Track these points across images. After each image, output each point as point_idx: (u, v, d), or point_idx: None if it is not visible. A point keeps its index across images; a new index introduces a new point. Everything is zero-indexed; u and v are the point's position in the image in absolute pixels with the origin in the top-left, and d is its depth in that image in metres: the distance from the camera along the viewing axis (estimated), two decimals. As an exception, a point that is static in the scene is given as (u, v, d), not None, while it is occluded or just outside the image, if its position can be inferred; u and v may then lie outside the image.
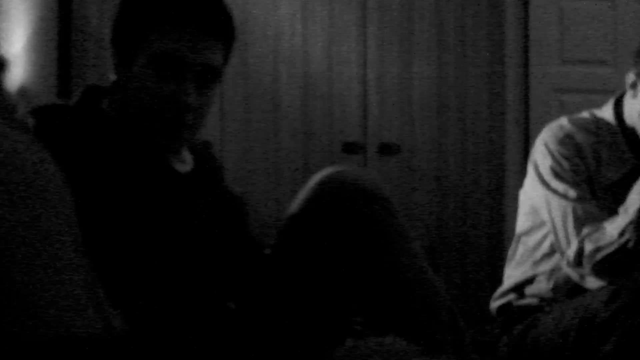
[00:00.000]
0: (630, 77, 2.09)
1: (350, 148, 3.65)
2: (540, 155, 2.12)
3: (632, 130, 2.10)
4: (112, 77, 1.61)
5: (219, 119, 3.54)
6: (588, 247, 1.98)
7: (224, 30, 1.57)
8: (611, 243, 1.94)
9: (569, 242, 2.03)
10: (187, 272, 1.53)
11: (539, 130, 2.20)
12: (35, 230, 1.07)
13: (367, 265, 1.64)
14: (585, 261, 1.99)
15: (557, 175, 2.08)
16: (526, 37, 3.98)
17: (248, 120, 3.59)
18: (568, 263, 2.03)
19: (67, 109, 1.60)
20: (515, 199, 2.38)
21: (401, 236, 1.66)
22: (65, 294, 1.08)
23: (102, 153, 1.51)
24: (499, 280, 2.32)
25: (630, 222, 1.93)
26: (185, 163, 1.64)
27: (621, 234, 1.94)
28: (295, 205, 1.70)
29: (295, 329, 1.65)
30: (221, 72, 1.58)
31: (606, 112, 2.14)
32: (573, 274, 2.03)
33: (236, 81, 3.56)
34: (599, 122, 2.13)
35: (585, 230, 2.00)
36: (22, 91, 2.78)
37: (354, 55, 3.69)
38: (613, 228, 1.95)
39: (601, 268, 1.97)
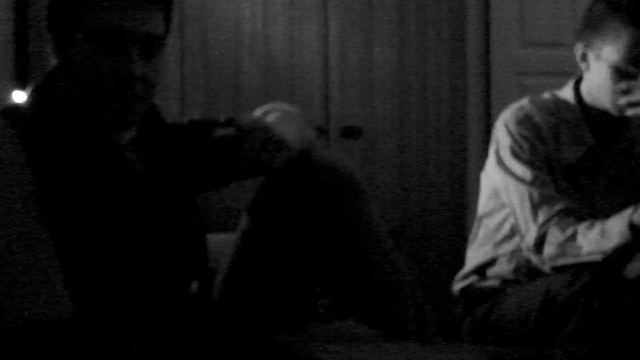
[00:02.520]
0: (579, 49, 2.09)
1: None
2: (501, 135, 2.12)
3: (591, 110, 2.11)
4: (54, 61, 1.59)
5: (180, 103, 3.51)
6: (551, 250, 1.98)
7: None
8: (578, 256, 1.95)
9: (527, 226, 2.04)
10: (141, 251, 1.52)
11: (499, 113, 2.20)
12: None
13: (334, 247, 1.63)
14: (547, 261, 1.99)
15: (515, 155, 2.08)
16: (487, 19, 3.98)
17: (209, 103, 3.56)
18: (528, 248, 2.04)
19: (27, 105, 1.57)
20: (477, 180, 2.38)
21: (368, 219, 1.66)
22: (23, 278, 1.06)
23: (55, 139, 1.49)
24: (461, 262, 2.33)
25: (605, 252, 1.92)
26: (128, 131, 1.61)
27: (590, 253, 1.94)
28: (263, 186, 1.69)
29: (260, 311, 1.64)
30: (164, 40, 1.56)
31: (566, 92, 2.14)
32: (533, 258, 2.04)
33: (196, 65, 3.53)
34: (559, 103, 2.13)
35: (541, 216, 2.01)
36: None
37: (315, 38, 3.67)
38: (586, 244, 1.94)
39: (561, 269, 1.97)
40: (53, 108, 1.54)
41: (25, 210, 1.16)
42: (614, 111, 2.05)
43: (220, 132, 1.71)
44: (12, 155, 1.14)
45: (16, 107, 1.60)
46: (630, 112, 2.03)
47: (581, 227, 1.96)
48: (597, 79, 2.06)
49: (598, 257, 1.92)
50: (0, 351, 1.05)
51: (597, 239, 1.93)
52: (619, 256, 1.93)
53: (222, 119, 1.76)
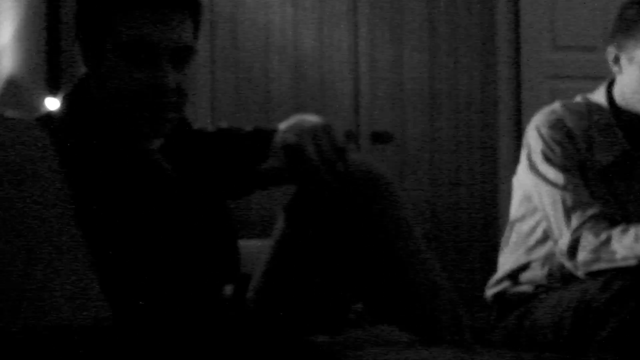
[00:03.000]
0: (611, 52, 2.08)
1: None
2: (533, 139, 2.11)
3: (624, 113, 2.09)
4: (83, 69, 1.59)
5: (210, 109, 3.53)
6: (585, 255, 1.96)
7: (190, 5, 1.55)
8: (612, 261, 1.93)
9: (560, 231, 2.02)
10: (174, 254, 1.52)
11: (530, 117, 2.19)
12: (32, 215, 1.07)
13: (369, 251, 1.63)
14: (580, 266, 1.98)
15: (548, 159, 2.07)
16: (517, 23, 3.97)
17: (239, 109, 3.57)
18: (561, 253, 2.02)
19: (60, 113, 1.58)
20: (508, 185, 2.37)
21: (403, 223, 1.65)
22: (60, 282, 1.07)
23: (88, 146, 1.50)
24: (493, 268, 2.31)
25: (638, 257, 1.90)
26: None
27: (625, 258, 1.92)
28: (298, 190, 1.68)
29: (295, 315, 1.64)
30: (194, 48, 1.56)
31: (599, 96, 2.13)
32: (567, 263, 2.03)
33: (227, 71, 3.55)
34: (591, 106, 2.12)
35: (574, 221, 1.99)
36: (12, 82, 2.76)
37: (345, 43, 3.67)
38: (620, 249, 1.92)
39: (595, 274, 1.96)
40: (85, 115, 1.55)
41: (60, 216, 1.17)
42: None
43: (270, 163, 1.69)
44: (48, 162, 1.15)
45: (49, 115, 1.61)
46: None
47: (615, 232, 1.94)
48: (629, 82, 2.05)
49: (633, 262, 1.91)
50: (39, 354, 1.05)
51: (631, 243, 1.91)
52: None
53: (249, 128, 1.76)
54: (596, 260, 1.95)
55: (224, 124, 1.82)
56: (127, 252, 1.46)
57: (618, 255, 1.92)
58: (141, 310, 1.44)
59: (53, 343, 1.05)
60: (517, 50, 3.96)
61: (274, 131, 1.65)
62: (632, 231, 1.92)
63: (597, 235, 1.96)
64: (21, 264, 1.06)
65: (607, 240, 1.94)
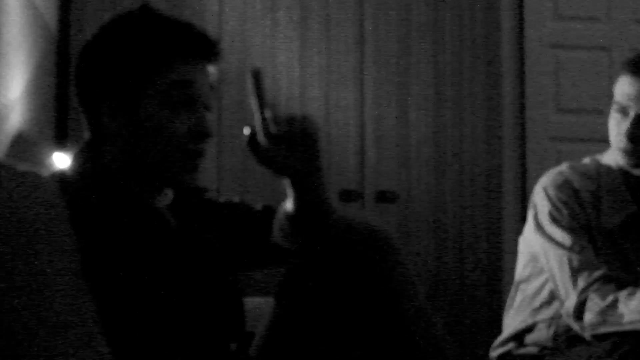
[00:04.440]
0: None
1: (348, 195, 3.65)
2: (540, 200, 2.12)
3: (634, 176, 2.10)
4: (86, 135, 1.60)
5: (216, 167, 3.54)
6: (592, 317, 1.95)
7: (216, 53, 1.60)
8: (619, 324, 1.92)
9: (567, 292, 2.01)
10: (181, 312, 1.52)
11: (535, 179, 2.20)
12: (41, 270, 1.07)
13: (373, 312, 1.62)
14: (587, 329, 1.96)
15: (555, 220, 2.07)
16: (522, 85, 4.00)
17: (245, 168, 3.58)
18: (567, 314, 2.01)
19: (71, 170, 1.59)
20: (513, 245, 2.37)
21: (408, 284, 1.65)
22: (64, 333, 1.07)
23: (99, 203, 1.51)
24: (498, 328, 2.30)
25: None
26: (165, 195, 1.63)
27: (633, 322, 1.91)
28: (304, 246, 1.69)
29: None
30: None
31: (608, 158, 2.14)
32: (573, 325, 2.01)
33: (234, 127, 3.56)
34: (600, 168, 2.13)
35: (581, 283, 1.99)
36: (20, 137, 2.78)
37: (352, 102, 3.70)
38: (628, 312, 1.91)
39: (602, 337, 1.94)
40: (96, 173, 1.56)
41: (67, 267, 1.18)
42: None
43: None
44: (60, 218, 1.16)
45: (63, 173, 1.62)
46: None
47: (622, 295, 1.93)
48: (610, 121, 2.09)
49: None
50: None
51: (639, 307, 1.90)
52: None
53: (259, 207, 1.79)
54: (603, 322, 1.94)
55: (235, 199, 1.84)
56: (134, 308, 1.46)
57: (625, 319, 1.91)
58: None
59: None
60: (522, 111, 3.99)
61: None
62: (639, 294, 1.91)
63: (604, 297, 1.95)
64: (29, 319, 1.06)
65: (614, 303, 1.93)
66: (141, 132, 1.54)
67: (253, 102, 1.56)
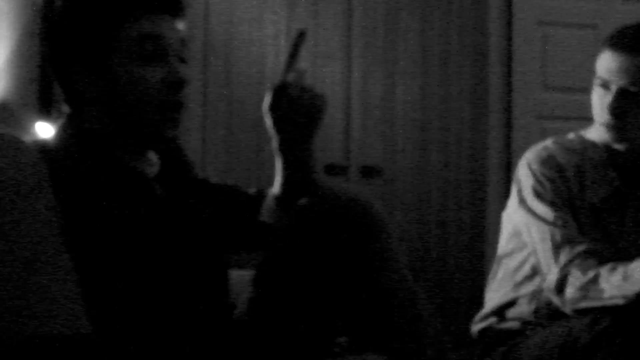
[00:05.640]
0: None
1: (332, 170, 3.64)
2: (524, 175, 2.12)
3: (618, 151, 2.10)
4: (65, 109, 1.59)
5: (201, 142, 3.52)
6: (573, 292, 1.95)
7: (180, 6, 1.59)
8: (600, 299, 1.92)
9: (548, 267, 2.02)
10: (164, 280, 1.52)
11: (520, 155, 2.20)
12: (24, 232, 1.07)
13: (356, 281, 1.62)
14: (568, 303, 1.97)
15: (538, 195, 2.07)
16: (509, 63, 3.99)
17: (231, 141, 3.57)
18: (549, 289, 2.02)
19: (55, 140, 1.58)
20: (496, 221, 2.37)
21: (391, 254, 1.65)
22: (43, 295, 1.07)
23: (84, 172, 1.50)
24: (480, 303, 2.31)
25: (627, 296, 1.89)
26: (152, 164, 1.63)
27: (613, 297, 1.92)
28: (289, 217, 1.69)
29: (279, 346, 1.63)
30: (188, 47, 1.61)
31: (593, 133, 2.14)
32: (554, 299, 2.02)
33: (219, 102, 3.55)
34: (585, 143, 2.13)
35: (563, 257, 1.99)
36: (3, 106, 2.76)
37: (338, 76, 3.69)
38: (609, 287, 1.91)
39: (582, 311, 1.95)
40: (81, 143, 1.55)
41: (47, 233, 1.18)
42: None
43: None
44: (40, 178, 1.15)
45: (45, 141, 1.61)
46: None
47: (604, 270, 1.94)
48: (593, 98, 2.10)
49: (620, 301, 1.90)
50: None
51: (619, 282, 1.90)
52: None
53: (252, 191, 1.80)
54: (584, 297, 1.94)
55: (229, 182, 1.86)
56: (116, 275, 1.46)
57: (606, 294, 1.91)
58: (127, 334, 1.44)
59: (33, 353, 1.05)
60: (509, 89, 3.99)
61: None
62: (621, 270, 1.92)
63: (585, 272, 1.95)
64: (15, 278, 1.06)
65: (595, 278, 1.94)
66: (116, 90, 1.53)
67: (286, 59, 1.61)
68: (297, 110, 1.59)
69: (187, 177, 1.72)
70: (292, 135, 1.63)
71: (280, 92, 1.59)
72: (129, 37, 1.51)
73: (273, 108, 1.61)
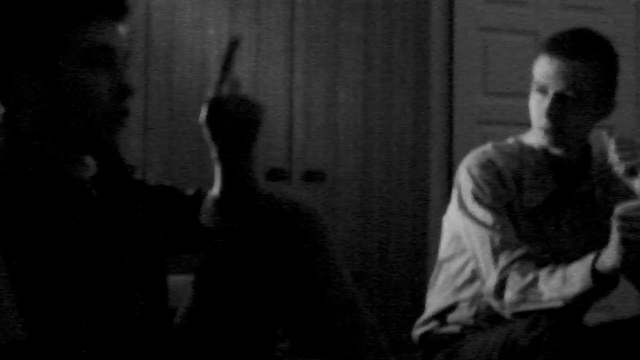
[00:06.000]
0: None
1: (275, 174, 3.63)
2: (463, 179, 2.13)
3: (555, 155, 2.12)
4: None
5: (143, 146, 3.48)
6: (512, 295, 1.97)
7: (128, 13, 1.58)
8: (539, 302, 1.94)
9: (488, 271, 2.03)
10: (100, 284, 1.49)
11: (461, 159, 2.21)
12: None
13: (295, 288, 1.61)
14: (507, 307, 1.98)
15: (477, 199, 2.08)
16: (451, 68, 4.02)
17: (172, 143, 3.53)
18: (488, 293, 2.03)
19: None
20: (438, 225, 2.38)
21: (330, 260, 1.65)
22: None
23: (17, 175, 1.47)
24: (421, 308, 2.31)
25: (566, 298, 1.92)
26: (88, 167, 1.61)
27: (552, 299, 1.93)
28: (228, 221, 1.68)
29: (219, 353, 1.62)
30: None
31: (531, 138, 2.16)
32: (494, 304, 2.03)
33: (161, 103, 3.51)
34: (523, 147, 2.15)
35: (502, 261, 2.00)
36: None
37: (280, 80, 3.67)
38: (547, 290, 1.93)
39: (521, 314, 1.97)
40: (12, 142, 1.52)
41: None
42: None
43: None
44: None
45: None
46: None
47: (542, 273, 1.95)
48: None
49: (559, 304, 1.92)
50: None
51: (558, 285, 1.92)
52: (580, 302, 1.93)
53: (190, 192, 1.79)
54: (523, 300, 1.96)
55: (166, 183, 1.83)
56: (50, 281, 1.43)
57: (544, 297, 1.93)
58: (63, 341, 1.41)
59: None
60: (450, 94, 4.01)
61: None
62: (559, 273, 1.94)
63: (524, 275, 1.97)
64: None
65: (534, 281, 1.95)
66: (60, 94, 1.51)
67: (219, 70, 1.60)
68: (234, 122, 1.58)
69: (125, 179, 1.70)
70: (230, 146, 1.62)
71: (216, 105, 1.57)
72: (77, 43, 1.50)
73: (209, 121, 1.59)
